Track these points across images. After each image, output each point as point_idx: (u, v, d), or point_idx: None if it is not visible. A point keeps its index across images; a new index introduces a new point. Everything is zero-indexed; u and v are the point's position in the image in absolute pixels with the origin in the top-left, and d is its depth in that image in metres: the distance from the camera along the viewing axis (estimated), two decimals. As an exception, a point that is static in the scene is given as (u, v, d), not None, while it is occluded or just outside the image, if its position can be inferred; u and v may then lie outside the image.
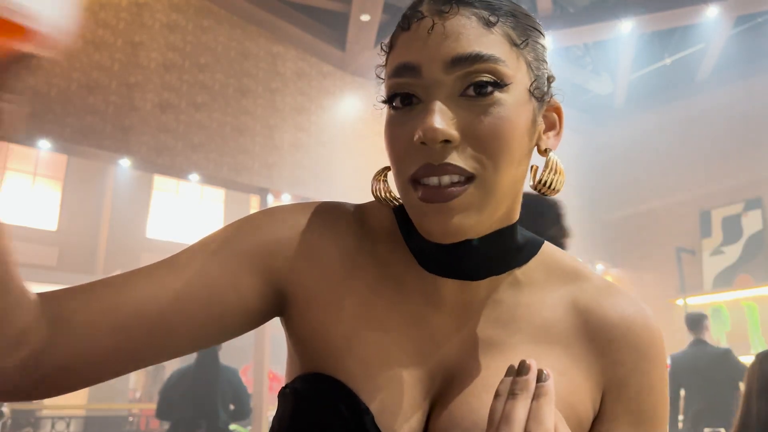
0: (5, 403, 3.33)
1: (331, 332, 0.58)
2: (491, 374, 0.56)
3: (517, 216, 0.59)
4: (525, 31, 0.55)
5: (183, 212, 12.81)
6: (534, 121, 0.56)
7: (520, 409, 0.45)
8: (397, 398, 0.55)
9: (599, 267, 9.23)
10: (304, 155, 6.78)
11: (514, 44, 0.53)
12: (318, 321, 0.59)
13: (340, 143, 7.08)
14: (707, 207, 8.61)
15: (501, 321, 0.60)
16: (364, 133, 7.04)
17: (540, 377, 0.47)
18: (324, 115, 7.11)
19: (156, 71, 5.92)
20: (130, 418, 9.68)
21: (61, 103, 5.28)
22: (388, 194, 0.61)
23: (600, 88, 8.84)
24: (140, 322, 0.55)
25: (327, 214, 0.64)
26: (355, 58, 7.17)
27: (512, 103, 0.52)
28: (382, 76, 0.58)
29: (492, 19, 0.53)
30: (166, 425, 4.14)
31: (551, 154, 0.58)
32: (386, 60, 0.57)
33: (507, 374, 0.48)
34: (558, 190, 0.58)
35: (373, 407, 0.55)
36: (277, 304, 0.62)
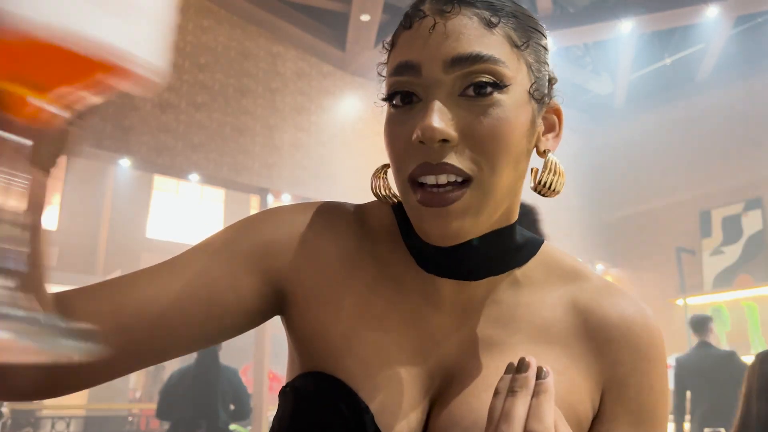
0: (5, 403, 3.33)
1: (331, 331, 0.58)
2: (491, 374, 0.56)
3: (516, 216, 0.60)
4: (526, 33, 0.55)
5: (183, 212, 12.81)
6: (533, 123, 0.56)
7: (520, 407, 0.45)
8: (396, 397, 0.56)
9: (599, 267, 9.23)
10: (304, 155, 6.78)
11: (515, 45, 0.54)
12: (318, 320, 0.59)
13: (340, 143, 7.08)
14: (707, 207, 8.60)
15: (501, 321, 0.60)
16: (364, 133, 7.03)
17: (539, 374, 0.47)
18: (324, 115, 7.11)
19: (156, 71, 5.91)
20: (130, 418, 9.68)
21: (61, 103, 5.27)
22: (387, 191, 0.61)
23: (600, 88, 8.84)
24: (142, 324, 0.55)
25: (327, 214, 0.64)
26: (355, 58, 7.17)
27: (511, 105, 0.52)
28: (383, 74, 0.58)
29: (493, 20, 0.53)
30: (166, 425, 4.15)
31: (550, 155, 0.58)
32: (387, 58, 0.57)
33: (506, 372, 0.48)
34: (558, 192, 0.58)
35: (373, 406, 0.55)
36: (277, 303, 0.62)
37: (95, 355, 0.30)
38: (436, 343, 0.59)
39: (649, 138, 9.26)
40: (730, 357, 4.15)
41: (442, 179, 0.51)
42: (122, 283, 0.57)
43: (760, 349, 2.62)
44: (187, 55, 6.16)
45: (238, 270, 0.59)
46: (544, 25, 0.59)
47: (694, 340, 4.37)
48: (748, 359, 2.54)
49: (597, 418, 0.59)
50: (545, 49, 0.58)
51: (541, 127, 0.58)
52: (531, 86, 0.55)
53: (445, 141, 0.51)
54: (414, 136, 0.51)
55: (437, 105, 0.51)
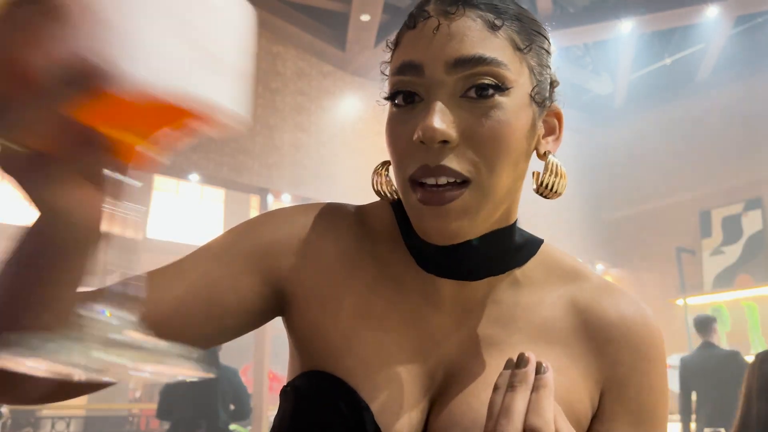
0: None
1: (331, 331, 0.59)
2: (491, 373, 0.56)
3: (515, 216, 0.60)
4: (529, 36, 0.55)
5: (183, 212, 12.81)
6: (533, 126, 0.56)
7: (520, 401, 0.45)
8: (397, 396, 0.56)
9: (599, 267, 9.23)
10: (304, 155, 6.78)
11: (517, 48, 0.54)
12: (318, 320, 0.60)
13: (340, 143, 7.08)
14: (707, 207, 8.61)
15: (500, 320, 0.60)
16: (364, 132, 7.04)
17: (539, 370, 0.47)
18: (324, 115, 7.11)
19: (156, 71, 5.91)
20: (130, 418, 9.68)
21: (61, 103, 5.28)
22: (388, 188, 0.61)
23: (600, 88, 8.85)
24: (148, 329, 0.55)
25: (327, 214, 0.64)
26: (355, 58, 7.17)
27: (512, 107, 0.53)
28: (386, 72, 0.58)
29: (497, 22, 0.53)
30: (166, 425, 4.15)
31: (551, 157, 0.59)
32: (391, 57, 0.58)
33: (506, 367, 0.48)
34: (560, 193, 0.58)
35: (373, 405, 0.55)
36: (278, 304, 0.62)
37: (203, 373, 0.33)
38: (436, 342, 0.59)
39: (649, 138, 9.27)
40: (734, 357, 4.17)
41: (442, 180, 0.52)
42: None
43: (760, 349, 2.63)
44: (187, 55, 6.15)
45: (239, 271, 0.59)
46: (545, 26, 0.59)
47: (694, 341, 4.39)
48: (748, 359, 2.54)
49: (596, 418, 0.59)
50: (548, 52, 0.58)
51: (541, 129, 0.58)
52: (532, 89, 0.55)
53: (445, 142, 0.51)
54: (415, 136, 0.52)
55: (439, 105, 0.51)
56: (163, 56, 0.27)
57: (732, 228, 8.34)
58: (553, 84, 0.59)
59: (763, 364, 2.01)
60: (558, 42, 7.23)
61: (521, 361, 0.47)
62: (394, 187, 0.61)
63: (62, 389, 0.53)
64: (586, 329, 0.60)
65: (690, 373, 4.24)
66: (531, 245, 0.63)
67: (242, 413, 4.19)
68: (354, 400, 0.55)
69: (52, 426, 8.23)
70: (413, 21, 0.55)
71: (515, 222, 0.60)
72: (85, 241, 0.37)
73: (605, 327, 0.60)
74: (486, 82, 0.52)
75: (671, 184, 8.97)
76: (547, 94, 0.58)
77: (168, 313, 0.56)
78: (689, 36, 7.82)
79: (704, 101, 8.70)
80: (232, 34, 0.31)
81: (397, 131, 0.55)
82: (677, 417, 4.36)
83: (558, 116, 0.60)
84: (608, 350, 0.59)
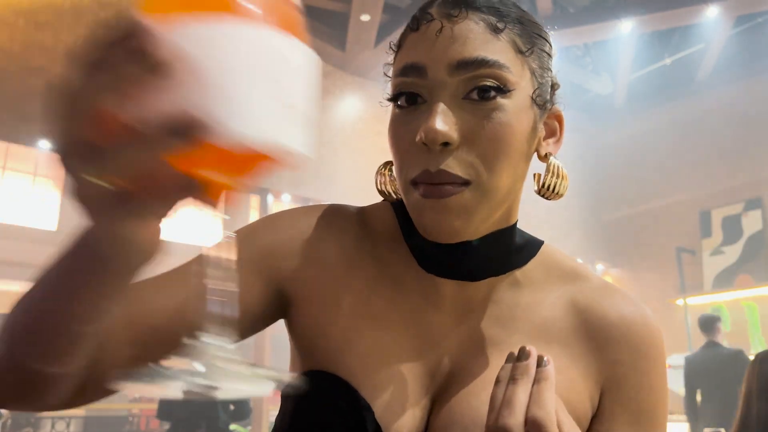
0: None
1: (332, 330, 0.59)
2: (491, 373, 0.57)
3: (516, 217, 0.60)
4: (531, 39, 0.56)
5: (182, 212, 12.83)
6: (534, 128, 0.57)
7: (521, 394, 0.45)
8: (397, 395, 0.56)
9: (599, 267, 9.24)
10: (305, 155, 6.78)
11: (519, 51, 0.55)
12: (318, 319, 0.60)
13: (340, 143, 7.08)
14: (707, 207, 8.61)
15: (500, 320, 0.60)
16: (365, 132, 7.04)
17: (540, 362, 0.47)
18: (324, 115, 7.11)
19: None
20: (130, 418, 9.68)
21: (61, 103, 5.28)
22: (392, 187, 0.62)
23: (600, 88, 8.86)
24: (153, 336, 0.55)
25: (329, 216, 0.65)
26: (355, 58, 7.18)
27: (514, 109, 0.53)
28: (389, 74, 0.59)
29: (499, 25, 0.54)
30: (166, 425, 4.15)
31: (552, 158, 0.59)
32: (394, 58, 0.58)
33: (507, 361, 0.48)
34: (562, 195, 0.59)
35: (374, 404, 0.55)
36: (280, 306, 0.62)
37: (283, 389, 0.35)
38: (436, 342, 0.60)
39: (649, 138, 9.27)
40: (738, 355, 4.18)
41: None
42: (132, 295, 0.56)
43: (760, 349, 2.63)
44: (187, 55, 6.16)
45: (240, 273, 0.59)
46: (546, 27, 0.60)
47: (695, 340, 4.39)
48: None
49: (596, 418, 0.59)
50: (549, 55, 0.59)
51: (542, 131, 0.59)
52: (534, 92, 0.56)
53: (446, 144, 0.52)
54: (417, 138, 0.52)
55: (441, 107, 0.52)
56: (256, 111, 0.31)
57: (732, 228, 8.34)
58: (554, 86, 0.60)
59: (763, 364, 2.01)
60: (558, 42, 7.19)
61: (522, 354, 0.48)
62: (396, 187, 0.61)
63: (79, 397, 0.53)
64: (585, 329, 0.61)
65: (694, 372, 4.26)
66: (531, 246, 0.63)
67: (242, 413, 4.19)
68: (355, 400, 0.55)
69: (52, 426, 8.24)
70: (416, 23, 0.56)
71: (516, 223, 0.61)
72: (138, 266, 0.39)
73: (605, 327, 0.60)
74: (488, 84, 0.52)
75: (671, 184, 8.97)
76: (548, 97, 0.58)
77: (172, 318, 0.56)
78: (689, 36, 7.83)
79: (704, 101, 8.71)
80: (305, 84, 0.34)
81: (399, 132, 0.55)
82: (682, 417, 4.37)
83: (559, 118, 0.61)
84: (608, 350, 0.60)
